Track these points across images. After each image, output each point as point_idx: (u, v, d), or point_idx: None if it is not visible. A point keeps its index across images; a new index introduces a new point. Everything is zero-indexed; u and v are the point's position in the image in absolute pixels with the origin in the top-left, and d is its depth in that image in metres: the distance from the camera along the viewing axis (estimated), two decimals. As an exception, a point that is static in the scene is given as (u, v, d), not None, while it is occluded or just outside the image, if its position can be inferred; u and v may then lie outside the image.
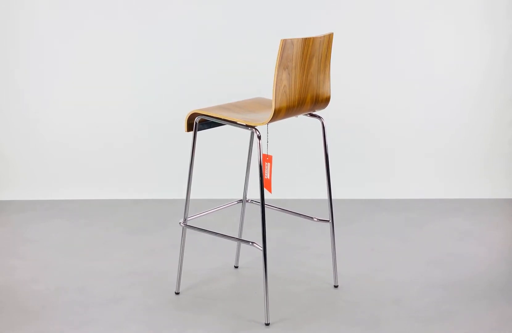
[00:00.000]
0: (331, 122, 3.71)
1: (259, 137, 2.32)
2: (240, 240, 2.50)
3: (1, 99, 3.68)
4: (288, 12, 3.63)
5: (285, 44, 2.23)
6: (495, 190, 3.80)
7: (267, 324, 2.42)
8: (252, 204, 2.78)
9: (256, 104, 2.55)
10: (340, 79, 3.67)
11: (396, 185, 3.81)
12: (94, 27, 3.61)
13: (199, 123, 2.46)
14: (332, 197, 3.68)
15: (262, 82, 3.61)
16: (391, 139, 3.79)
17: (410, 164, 3.81)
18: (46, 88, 3.67)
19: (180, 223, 2.57)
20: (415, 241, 3.17)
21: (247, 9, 3.63)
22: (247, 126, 2.34)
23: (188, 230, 3.06)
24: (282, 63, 2.25)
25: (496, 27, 3.67)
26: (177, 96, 3.70)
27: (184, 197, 3.68)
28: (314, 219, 2.67)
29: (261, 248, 2.37)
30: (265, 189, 2.41)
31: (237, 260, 2.88)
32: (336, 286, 2.73)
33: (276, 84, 2.27)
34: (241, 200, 2.78)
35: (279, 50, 2.24)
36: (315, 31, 3.46)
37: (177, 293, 2.65)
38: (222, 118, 2.36)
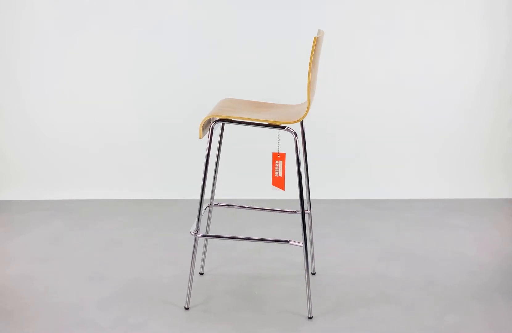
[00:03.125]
0: (332, 123, 3.73)
1: (296, 134, 2.29)
2: (272, 241, 2.42)
3: (2, 100, 3.68)
4: (283, 12, 3.63)
5: (317, 41, 2.22)
6: (494, 190, 3.81)
7: (310, 318, 2.44)
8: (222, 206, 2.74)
9: (243, 105, 2.51)
10: (340, 79, 3.68)
11: (396, 185, 3.81)
12: (97, 27, 3.61)
13: (206, 127, 2.38)
14: (332, 197, 3.73)
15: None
16: (391, 139, 3.79)
17: (410, 165, 3.82)
18: (47, 88, 3.67)
19: (191, 232, 2.42)
20: (414, 241, 3.17)
21: (243, 10, 3.64)
22: (275, 126, 2.29)
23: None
24: (314, 61, 2.26)
25: (495, 28, 3.68)
26: (179, 97, 3.70)
27: (182, 197, 3.73)
28: (297, 211, 2.69)
29: (302, 245, 2.37)
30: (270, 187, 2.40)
31: (202, 267, 2.81)
32: (313, 273, 2.80)
33: (310, 83, 2.27)
34: (209, 205, 2.70)
35: (312, 48, 2.22)
36: (313, 30, 3.47)
37: (186, 308, 2.49)
38: (252, 121, 2.29)
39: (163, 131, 3.74)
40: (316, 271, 2.82)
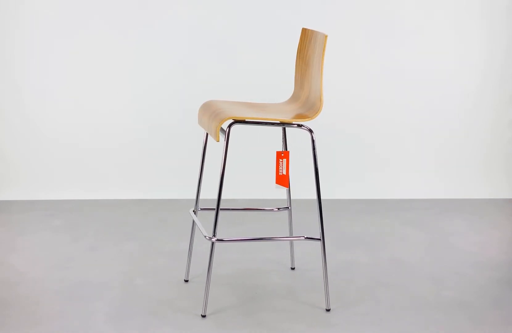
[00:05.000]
0: (329, 123, 3.73)
1: (311, 131, 2.34)
2: (289, 238, 2.46)
3: (2, 100, 3.67)
4: (281, 11, 3.64)
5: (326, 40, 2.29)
6: (494, 190, 3.81)
7: (328, 310, 2.47)
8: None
9: (238, 106, 2.49)
10: (337, 80, 3.68)
11: (396, 185, 3.81)
12: (95, 26, 3.61)
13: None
14: (332, 197, 3.73)
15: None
16: (391, 139, 3.80)
17: (410, 164, 3.81)
18: (46, 88, 3.67)
19: (206, 237, 2.35)
20: (413, 241, 3.17)
21: (241, 11, 3.64)
22: (289, 124, 2.32)
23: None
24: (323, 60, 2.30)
25: (495, 28, 3.68)
26: (177, 96, 3.70)
27: (183, 197, 3.72)
28: (275, 209, 2.72)
29: (320, 239, 2.41)
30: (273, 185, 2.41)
31: (187, 273, 2.71)
32: (293, 268, 2.83)
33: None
34: (194, 210, 2.63)
35: (324, 46, 2.27)
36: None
37: (203, 316, 2.41)
38: (267, 120, 2.30)
39: (163, 131, 3.74)
40: (295, 266, 2.86)
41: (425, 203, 3.70)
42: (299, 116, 2.36)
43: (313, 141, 2.36)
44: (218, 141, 2.26)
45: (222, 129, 2.34)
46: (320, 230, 2.43)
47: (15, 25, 3.58)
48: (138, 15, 3.61)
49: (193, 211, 2.64)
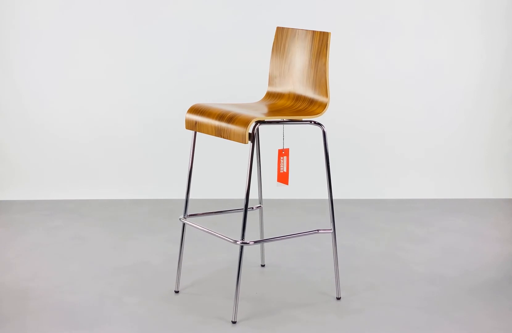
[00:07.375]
0: (331, 123, 3.73)
1: (321, 125, 2.38)
2: (304, 233, 2.48)
3: (2, 100, 3.67)
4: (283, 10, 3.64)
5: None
6: (495, 190, 3.81)
7: (339, 298, 2.54)
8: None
9: (235, 107, 2.47)
10: (340, 80, 3.68)
11: (396, 185, 3.81)
12: (93, 25, 3.62)
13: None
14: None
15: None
16: (391, 139, 3.80)
17: (410, 164, 3.82)
18: (46, 88, 3.67)
19: (230, 240, 2.32)
20: (413, 241, 3.17)
21: (241, 10, 3.65)
22: (299, 121, 2.38)
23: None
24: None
25: (494, 28, 3.69)
26: (176, 95, 3.70)
27: (180, 196, 3.71)
28: (254, 208, 2.75)
29: (331, 231, 2.49)
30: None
31: (177, 284, 2.62)
32: (263, 265, 2.85)
33: (327, 76, 2.35)
34: (184, 217, 2.56)
35: (328, 43, 2.30)
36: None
37: (234, 322, 2.35)
38: (281, 119, 2.36)
39: (163, 132, 3.74)
40: (265, 263, 2.87)
41: (425, 203, 3.70)
42: (303, 113, 2.38)
43: (324, 134, 2.39)
44: (247, 143, 2.23)
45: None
46: (331, 223, 2.49)
47: (15, 25, 3.58)
48: (137, 15, 3.62)
49: (184, 217, 2.55)
